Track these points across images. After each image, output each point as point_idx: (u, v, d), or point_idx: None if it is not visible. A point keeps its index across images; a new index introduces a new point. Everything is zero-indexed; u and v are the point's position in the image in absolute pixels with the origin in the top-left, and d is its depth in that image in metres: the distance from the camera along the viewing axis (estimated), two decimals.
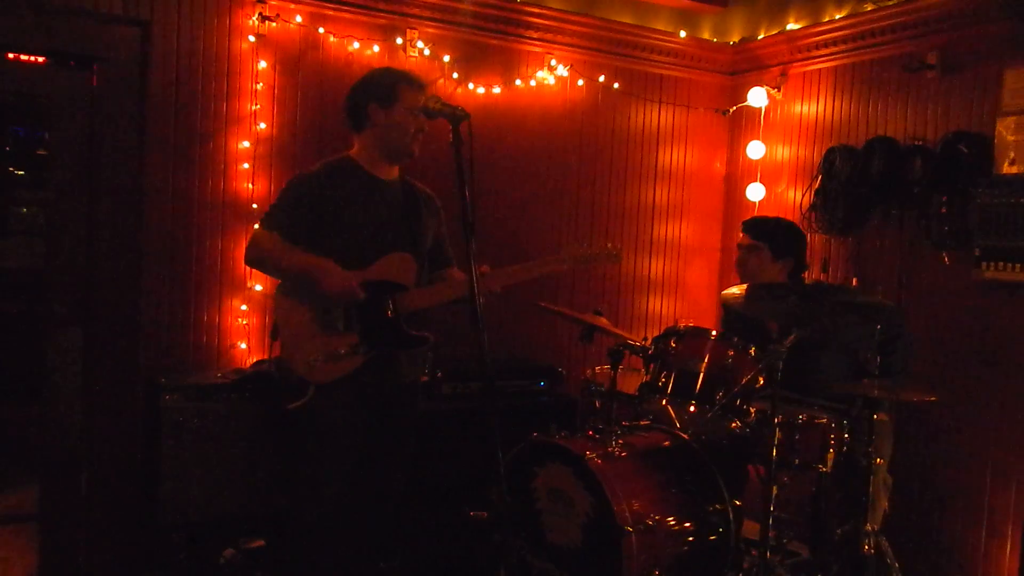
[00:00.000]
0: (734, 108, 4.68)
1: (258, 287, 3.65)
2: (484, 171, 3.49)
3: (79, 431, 3.44)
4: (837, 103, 4.16)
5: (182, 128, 3.50)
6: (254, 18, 3.57)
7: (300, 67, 3.70)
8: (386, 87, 2.86)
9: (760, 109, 4.53)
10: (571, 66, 4.29)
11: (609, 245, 3.04)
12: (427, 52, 3.91)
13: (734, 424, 2.98)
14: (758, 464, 3.01)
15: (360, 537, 2.97)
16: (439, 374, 3.62)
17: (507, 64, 4.16)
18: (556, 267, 3.09)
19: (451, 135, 2.26)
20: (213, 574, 3.30)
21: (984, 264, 3.40)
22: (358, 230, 2.82)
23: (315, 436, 2.82)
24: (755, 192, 4.54)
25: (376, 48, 3.81)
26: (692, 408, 3.00)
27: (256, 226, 2.95)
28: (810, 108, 4.31)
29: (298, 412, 2.77)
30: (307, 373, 2.76)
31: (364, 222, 2.83)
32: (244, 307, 3.65)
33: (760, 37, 4.55)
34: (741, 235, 3.52)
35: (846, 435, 2.95)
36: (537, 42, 4.21)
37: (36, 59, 3.40)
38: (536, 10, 4.14)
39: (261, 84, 3.61)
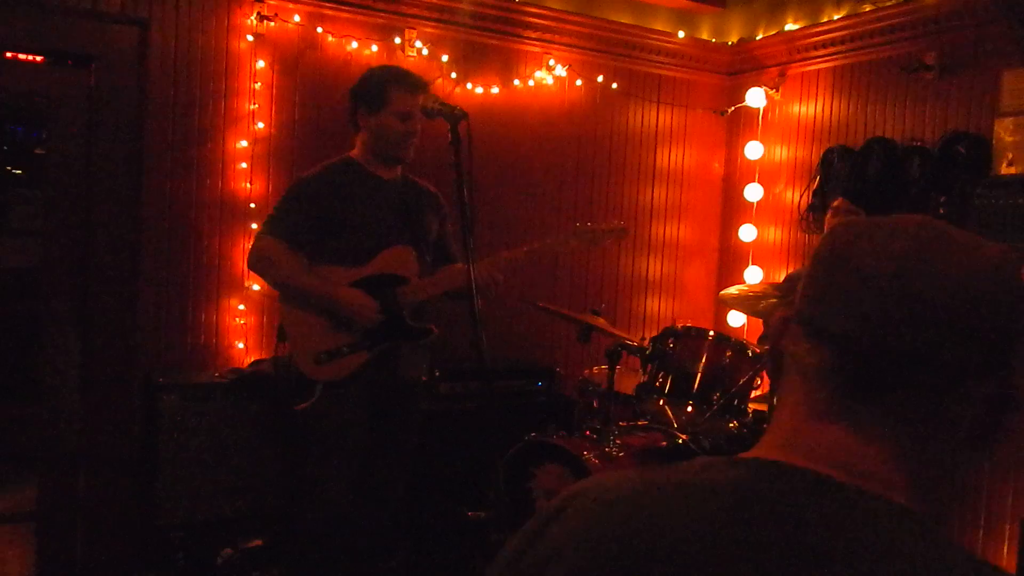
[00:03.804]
0: (732, 108, 4.68)
1: (255, 287, 3.64)
2: (482, 171, 3.49)
3: (77, 431, 3.44)
4: (835, 104, 4.16)
5: (180, 127, 3.49)
6: (252, 17, 3.56)
7: (298, 67, 3.69)
8: (373, 91, 2.84)
9: (758, 109, 4.53)
10: (570, 66, 4.29)
11: (618, 222, 3.01)
12: (425, 52, 3.91)
13: (732, 424, 2.98)
14: None
15: (362, 537, 2.97)
16: (437, 374, 3.62)
17: (506, 64, 4.16)
18: (563, 246, 3.01)
19: (450, 135, 2.26)
20: (211, 574, 3.30)
21: None
22: (360, 229, 2.82)
23: (321, 436, 2.81)
24: (753, 192, 4.54)
25: (374, 48, 3.80)
26: (690, 408, 3.01)
27: (258, 231, 2.92)
28: (808, 109, 4.31)
29: (304, 412, 2.76)
30: (313, 372, 2.76)
31: (365, 221, 2.83)
32: (242, 307, 3.64)
33: (758, 38, 4.55)
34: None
35: None
36: (536, 42, 4.21)
37: (34, 58, 3.40)
38: (535, 10, 4.14)
39: (259, 84, 3.61)
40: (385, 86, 2.82)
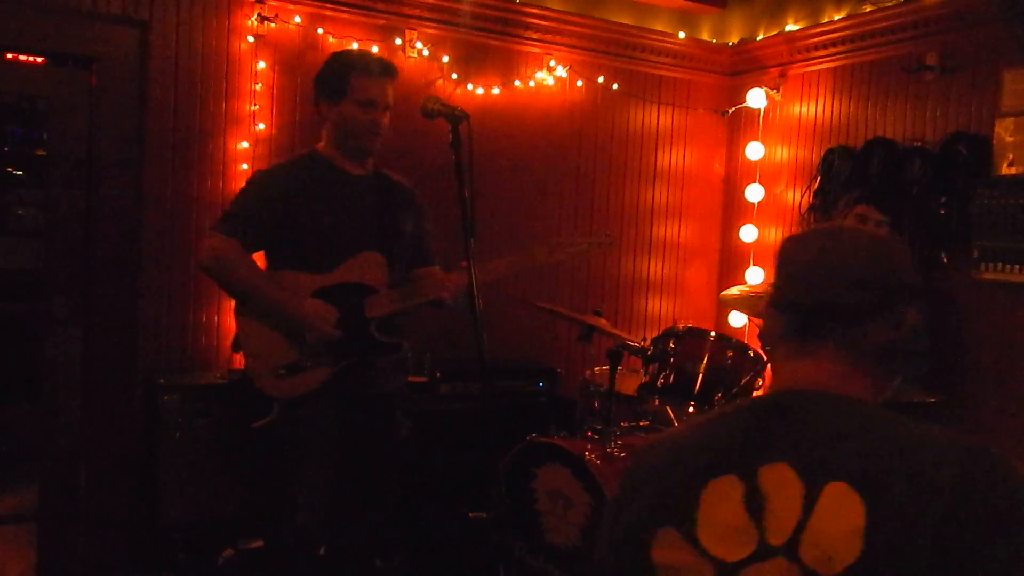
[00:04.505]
0: (733, 109, 4.68)
1: None
2: (483, 172, 3.49)
3: (78, 431, 3.44)
4: (836, 104, 4.16)
5: (181, 128, 3.50)
6: (253, 18, 3.57)
7: (299, 68, 3.69)
8: (334, 79, 2.62)
9: (759, 110, 4.53)
10: (570, 67, 4.29)
11: (605, 234, 2.91)
12: (426, 53, 3.91)
13: None
14: None
15: (348, 549, 2.78)
16: (438, 374, 3.62)
17: (506, 65, 4.16)
18: (544, 259, 2.80)
19: (450, 136, 2.25)
20: (212, 574, 3.30)
21: (983, 265, 3.40)
22: (325, 231, 2.58)
23: (286, 456, 2.60)
24: (754, 193, 4.54)
25: (375, 49, 3.79)
26: (691, 409, 3.01)
27: (210, 227, 2.68)
28: (809, 109, 4.31)
29: (264, 430, 2.55)
30: (272, 388, 2.54)
31: (332, 221, 2.59)
32: None
33: (759, 38, 4.55)
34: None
35: None
36: (536, 43, 4.22)
37: (35, 59, 3.40)
38: (535, 11, 4.14)
39: (260, 84, 3.61)
40: (345, 73, 2.61)
